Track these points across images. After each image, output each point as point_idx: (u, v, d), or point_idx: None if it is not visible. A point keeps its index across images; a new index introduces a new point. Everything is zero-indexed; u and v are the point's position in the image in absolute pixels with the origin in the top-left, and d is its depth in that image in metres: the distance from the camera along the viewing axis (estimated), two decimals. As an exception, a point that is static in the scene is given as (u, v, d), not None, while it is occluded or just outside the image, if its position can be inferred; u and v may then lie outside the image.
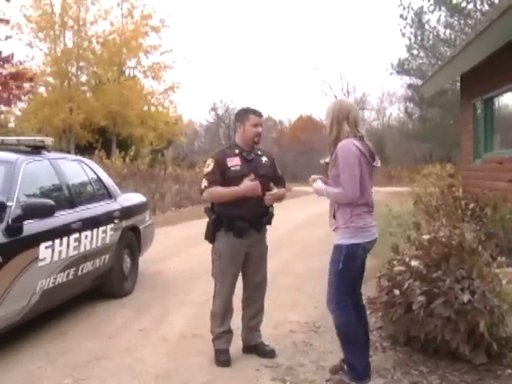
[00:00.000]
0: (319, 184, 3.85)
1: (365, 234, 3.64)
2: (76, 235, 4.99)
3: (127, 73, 27.30)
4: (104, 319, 5.37)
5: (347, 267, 3.62)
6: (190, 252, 8.99)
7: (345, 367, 3.81)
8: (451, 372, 3.92)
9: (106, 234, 5.64)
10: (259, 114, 4.27)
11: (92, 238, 5.32)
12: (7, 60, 18.11)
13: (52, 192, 5.04)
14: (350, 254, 3.61)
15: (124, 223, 6.12)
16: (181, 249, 9.41)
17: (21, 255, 4.15)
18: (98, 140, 24.67)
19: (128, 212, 6.28)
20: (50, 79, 25.73)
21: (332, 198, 3.74)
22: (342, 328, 3.73)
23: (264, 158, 4.33)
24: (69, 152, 24.12)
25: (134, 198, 7.00)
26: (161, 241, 10.34)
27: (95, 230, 5.39)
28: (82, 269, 5.17)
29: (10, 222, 4.16)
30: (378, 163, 3.77)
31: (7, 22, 19.12)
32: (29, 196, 4.55)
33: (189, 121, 39.75)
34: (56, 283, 4.69)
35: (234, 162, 4.16)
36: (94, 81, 26.76)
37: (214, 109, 51.93)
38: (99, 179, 6.06)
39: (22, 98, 18.94)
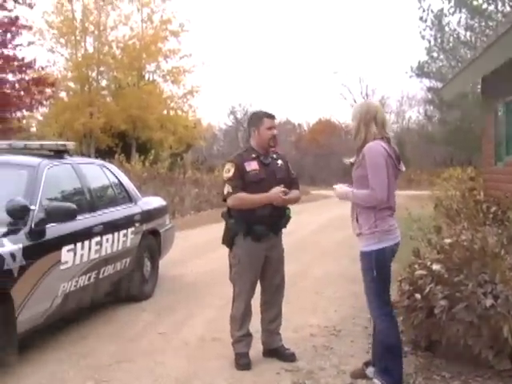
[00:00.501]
0: (343, 187, 3.83)
1: (391, 237, 3.62)
2: (97, 239, 5.03)
3: (146, 77, 27.47)
4: (125, 323, 5.40)
5: (381, 273, 3.61)
6: (210, 255, 8.98)
7: (372, 372, 3.79)
8: (474, 378, 3.87)
9: (126, 238, 5.68)
10: (273, 117, 4.25)
11: (113, 242, 5.35)
12: (30, 66, 18.38)
13: (74, 196, 5.08)
14: (381, 259, 3.59)
15: (144, 227, 6.16)
16: (200, 252, 9.42)
17: (43, 258, 4.20)
18: (118, 144, 24.88)
19: (148, 215, 6.32)
20: (71, 84, 26.03)
21: (359, 199, 3.67)
22: (385, 334, 3.69)
23: (279, 162, 4.35)
24: (89, 156, 24.40)
25: (154, 202, 7.03)
26: (180, 244, 10.37)
27: (116, 234, 5.42)
28: (104, 272, 5.21)
29: (33, 225, 4.21)
30: (402, 167, 3.75)
31: (30, 28, 19.31)
32: (51, 200, 4.59)
33: (208, 124, 40.01)
34: (78, 286, 4.74)
35: (252, 167, 4.16)
36: (114, 85, 26.99)
37: (232, 112, 52.00)
38: (120, 183, 6.11)
39: (44, 102, 19.12)
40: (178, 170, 21.17)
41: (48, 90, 18.73)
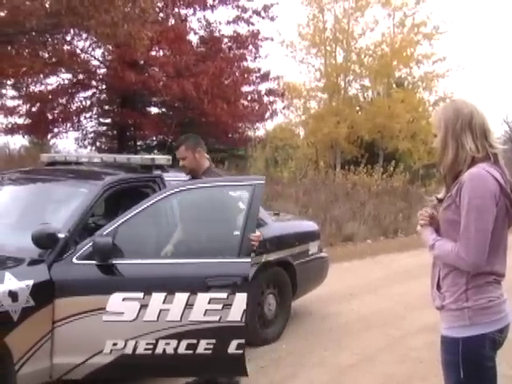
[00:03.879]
0: (427, 231, 2.44)
1: (493, 318, 2.27)
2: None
3: (394, 85, 26.14)
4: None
5: (474, 375, 2.26)
6: (392, 289, 7.59)
7: None
8: None
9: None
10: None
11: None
12: (266, 77, 18.69)
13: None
14: (474, 351, 2.26)
15: (264, 258, 5.15)
16: (384, 284, 8.02)
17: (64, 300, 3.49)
18: (364, 155, 24.06)
19: (272, 244, 5.27)
20: (319, 94, 26.08)
21: (442, 257, 2.35)
22: None
23: None
24: (334, 167, 24.09)
25: (289, 228, 5.96)
26: (372, 271, 9.16)
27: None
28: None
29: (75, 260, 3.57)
30: None
31: (272, 39, 19.65)
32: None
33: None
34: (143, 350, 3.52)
35: None
36: (362, 94, 26.32)
37: (506, 122, 46.92)
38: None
39: (279, 113, 19.26)
40: (417, 182, 19.48)
41: (278, 101, 18.76)
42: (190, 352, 3.51)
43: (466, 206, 2.22)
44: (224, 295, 3.49)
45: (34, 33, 11.70)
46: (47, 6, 10.53)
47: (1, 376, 3.23)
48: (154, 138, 20.17)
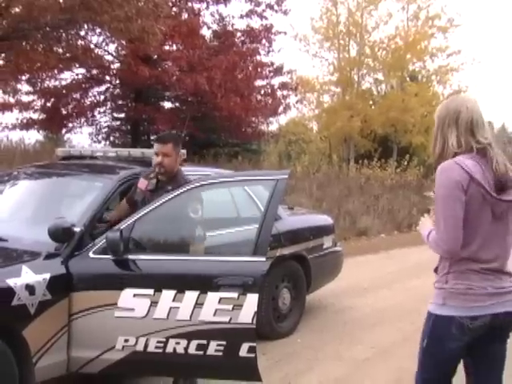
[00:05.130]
0: (426, 221, 2.57)
1: (465, 304, 2.37)
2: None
3: (408, 78, 25.95)
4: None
5: (432, 347, 2.46)
6: (406, 283, 7.58)
7: None
8: None
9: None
10: (160, 141, 3.93)
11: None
12: (279, 71, 18.66)
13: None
14: (438, 329, 2.44)
15: (278, 252, 5.14)
16: (398, 278, 8.00)
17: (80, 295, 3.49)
18: (377, 149, 23.95)
19: (286, 238, 5.27)
20: (332, 87, 25.97)
21: (431, 248, 2.45)
22: None
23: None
24: (348, 161, 24.02)
25: (304, 222, 5.95)
26: (386, 265, 9.14)
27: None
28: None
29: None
30: (510, 196, 2.36)
31: (285, 33, 19.58)
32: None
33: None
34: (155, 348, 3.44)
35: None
36: (375, 88, 26.17)
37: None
38: (248, 198, 5.15)
39: (292, 107, 19.22)
40: (431, 177, 19.35)
41: (291, 95, 18.71)
42: (201, 353, 3.38)
43: (435, 196, 2.37)
44: (235, 295, 3.31)
45: (48, 28, 11.76)
46: (61, 1, 10.58)
47: (19, 369, 3.25)
48: (168, 133, 20.20)
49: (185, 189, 3.68)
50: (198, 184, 3.72)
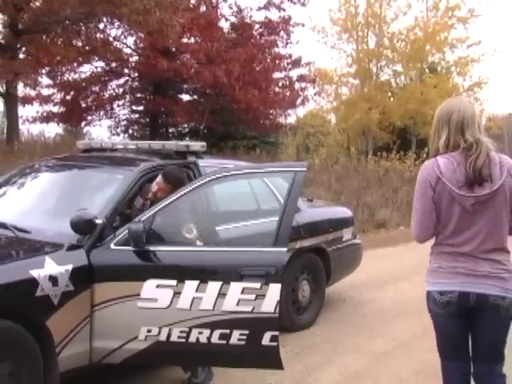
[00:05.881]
0: None
1: (435, 280, 2.71)
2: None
3: (427, 70, 25.69)
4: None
5: (432, 319, 2.84)
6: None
7: None
8: None
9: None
10: None
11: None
12: (298, 63, 18.59)
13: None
14: (428, 303, 2.81)
15: (298, 244, 5.14)
16: (418, 271, 7.81)
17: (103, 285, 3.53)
18: (395, 141, 23.77)
19: (305, 231, 5.27)
20: (351, 79, 25.83)
21: None
22: None
23: None
24: (366, 153, 23.87)
25: (323, 214, 5.93)
26: (406, 258, 9.08)
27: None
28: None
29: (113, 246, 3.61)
30: (484, 190, 2.55)
31: (303, 25, 19.48)
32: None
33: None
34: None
35: None
36: (394, 79, 25.96)
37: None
38: (268, 190, 5.15)
39: (310, 99, 19.14)
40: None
41: (310, 87, 18.64)
42: (224, 342, 3.42)
43: None
44: (257, 285, 3.34)
45: (68, 22, 11.85)
46: (81, -6, 10.64)
47: (43, 359, 3.29)
48: (186, 125, 20.26)
49: (206, 180, 3.70)
50: (219, 175, 3.73)
